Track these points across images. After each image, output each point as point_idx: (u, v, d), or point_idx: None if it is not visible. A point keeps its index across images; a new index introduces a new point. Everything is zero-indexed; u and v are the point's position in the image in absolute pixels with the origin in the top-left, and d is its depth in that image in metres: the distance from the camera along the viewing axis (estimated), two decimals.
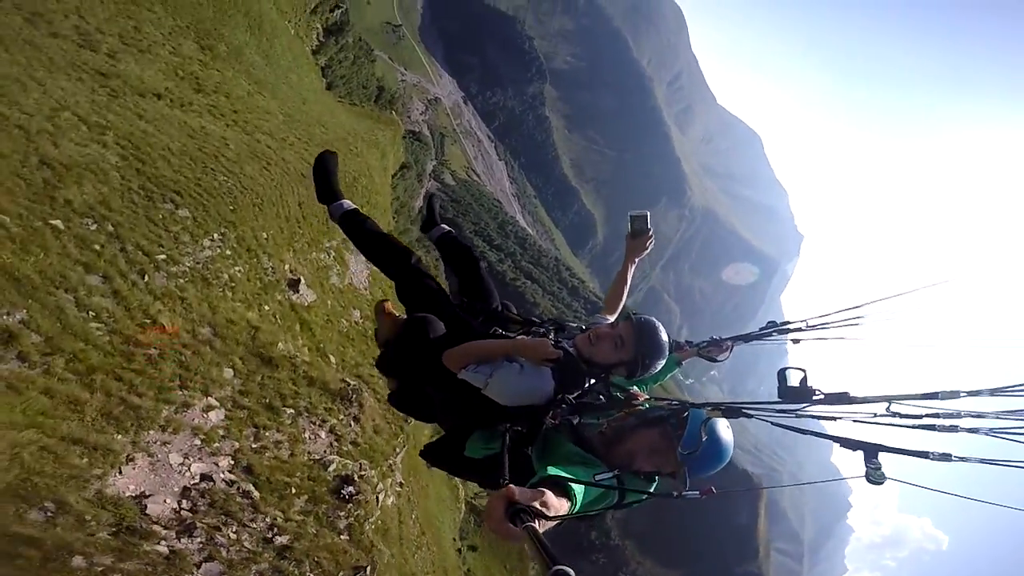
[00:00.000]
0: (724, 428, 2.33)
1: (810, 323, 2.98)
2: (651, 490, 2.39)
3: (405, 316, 3.16)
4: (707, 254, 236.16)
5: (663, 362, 2.67)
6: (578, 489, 1.78)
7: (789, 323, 3.15)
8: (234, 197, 12.53)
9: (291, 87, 27.77)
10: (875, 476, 1.70)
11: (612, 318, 3.17)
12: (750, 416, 2.24)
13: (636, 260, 3.32)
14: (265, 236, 13.37)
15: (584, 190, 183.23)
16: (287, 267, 14.36)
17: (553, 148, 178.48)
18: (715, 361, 3.47)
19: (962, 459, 1.61)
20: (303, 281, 14.34)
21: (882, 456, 1.72)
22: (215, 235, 10.43)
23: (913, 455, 1.65)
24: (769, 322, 3.27)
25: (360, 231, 3.36)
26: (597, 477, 2.11)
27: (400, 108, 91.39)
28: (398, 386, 3.13)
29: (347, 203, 3.43)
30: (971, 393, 1.71)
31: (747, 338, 3.43)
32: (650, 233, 3.26)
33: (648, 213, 3.23)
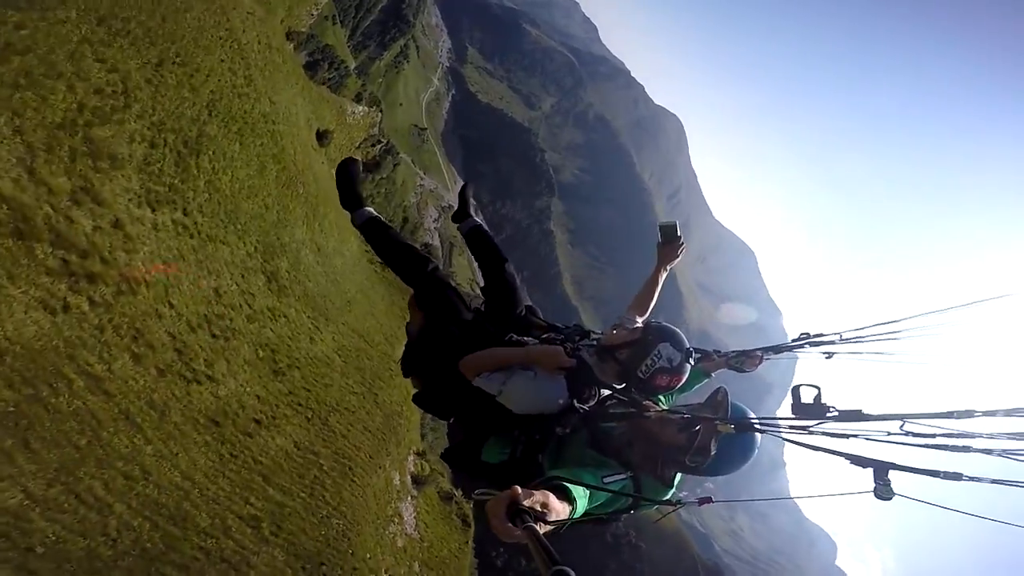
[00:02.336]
0: (739, 443, 2.34)
1: (844, 336, 2.84)
2: (670, 492, 2.40)
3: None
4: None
5: (677, 356, 2.56)
6: (579, 492, 1.79)
7: (822, 335, 3.00)
8: (347, 538, 15.16)
9: (338, 286, 27.75)
10: (884, 492, 1.65)
11: (640, 319, 3.12)
12: (762, 432, 2.24)
13: (668, 267, 3.34)
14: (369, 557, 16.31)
15: (583, 308, 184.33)
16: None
17: (556, 264, 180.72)
18: (743, 372, 3.34)
19: (973, 479, 1.60)
20: None
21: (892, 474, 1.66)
22: None
23: (924, 474, 1.60)
24: (802, 334, 3.16)
25: (381, 239, 3.38)
26: (607, 480, 2.15)
27: (418, 223, 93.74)
28: (423, 386, 3.13)
29: (368, 210, 3.48)
30: (986, 413, 1.65)
31: (777, 349, 3.29)
32: (681, 240, 3.29)
33: (677, 221, 3.28)
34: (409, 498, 25.81)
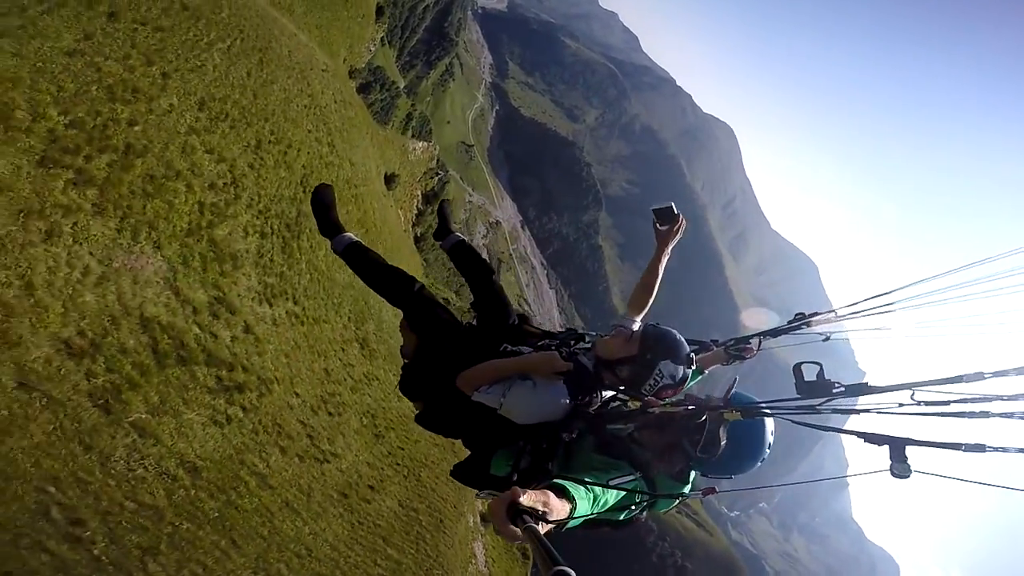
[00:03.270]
0: (749, 431, 2.35)
1: (840, 313, 2.83)
2: (686, 490, 2.42)
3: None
4: (762, 395, 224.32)
5: (675, 363, 2.53)
6: (580, 492, 1.78)
7: (817, 314, 2.99)
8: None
9: None
10: (901, 470, 1.58)
11: (639, 319, 3.01)
12: (769, 415, 2.17)
13: (669, 248, 3.02)
14: None
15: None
16: None
17: (604, 279, 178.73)
18: (744, 359, 3.30)
19: (998, 449, 1.48)
20: None
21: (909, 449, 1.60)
22: None
23: (944, 447, 1.51)
24: (797, 314, 3.14)
25: (364, 263, 3.37)
26: (614, 482, 2.11)
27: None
28: (424, 407, 3.13)
29: (349, 236, 3.44)
30: (996, 373, 1.59)
31: (775, 333, 3.21)
32: (680, 219, 3.01)
33: (672, 204, 3.05)
34: (480, 536, 27.20)
